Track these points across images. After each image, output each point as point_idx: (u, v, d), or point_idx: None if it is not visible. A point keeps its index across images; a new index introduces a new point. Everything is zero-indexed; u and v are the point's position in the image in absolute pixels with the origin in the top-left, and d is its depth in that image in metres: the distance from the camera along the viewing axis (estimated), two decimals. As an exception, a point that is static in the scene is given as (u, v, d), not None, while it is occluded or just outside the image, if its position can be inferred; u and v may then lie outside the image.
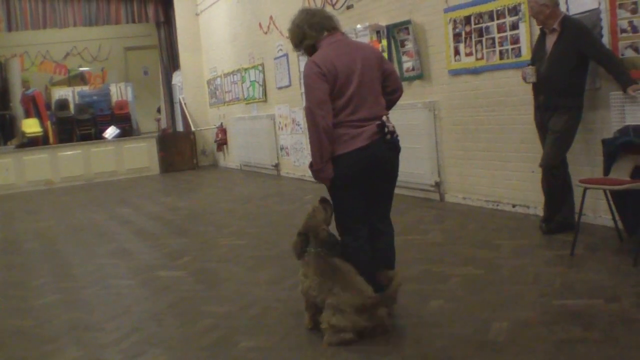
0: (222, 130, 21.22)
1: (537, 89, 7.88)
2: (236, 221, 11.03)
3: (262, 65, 17.48)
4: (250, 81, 18.36)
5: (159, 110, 26.01)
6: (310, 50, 5.52)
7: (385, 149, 5.32)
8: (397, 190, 10.49)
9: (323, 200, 5.39)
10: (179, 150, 21.89)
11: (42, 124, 22.74)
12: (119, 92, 25.29)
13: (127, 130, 23.80)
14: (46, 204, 16.37)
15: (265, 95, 17.45)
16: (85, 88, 25.75)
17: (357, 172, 5.27)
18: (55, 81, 27.23)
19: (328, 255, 5.22)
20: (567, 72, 7.51)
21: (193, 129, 22.29)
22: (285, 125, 16.33)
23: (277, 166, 17.13)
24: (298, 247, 5.35)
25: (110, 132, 22.84)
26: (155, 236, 10.52)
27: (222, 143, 21.38)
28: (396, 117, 11.05)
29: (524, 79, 7.92)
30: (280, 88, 16.49)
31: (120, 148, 21.49)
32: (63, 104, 23.98)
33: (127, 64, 28.84)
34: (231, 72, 20.02)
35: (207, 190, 16.17)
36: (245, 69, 18.62)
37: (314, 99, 5.19)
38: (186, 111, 22.85)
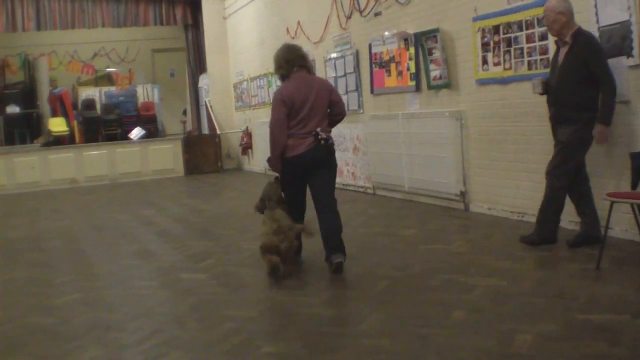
0: (248, 134, 21.24)
1: (549, 101, 7.88)
2: (259, 225, 10.97)
3: (289, 70, 17.44)
4: (277, 85, 18.34)
5: (184, 113, 26.07)
6: (283, 78, 7.83)
7: (320, 151, 7.60)
8: (421, 199, 10.43)
9: (276, 179, 8.04)
10: (204, 152, 21.92)
11: (69, 123, 22.88)
12: (145, 93, 25.40)
13: (153, 132, 23.89)
14: (70, 203, 16.45)
15: (291, 100, 17.39)
16: (112, 88, 25.91)
17: (299, 169, 7.67)
18: (83, 81, 27.37)
19: (273, 208, 7.87)
20: (575, 85, 7.47)
21: (218, 132, 22.31)
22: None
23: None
24: (258, 207, 8.19)
25: (136, 133, 22.93)
26: (178, 238, 10.54)
27: (247, 147, 21.41)
28: (422, 126, 11.10)
29: (533, 90, 8.02)
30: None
31: (146, 149, 21.58)
32: (90, 104, 24.13)
33: (154, 66, 28.93)
34: (257, 76, 20.05)
35: (231, 193, 16.18)
36: (272, 74, 18.60)
37: (275, 116, 7.56)
38: (212, 114, 22.90)
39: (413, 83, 11.72)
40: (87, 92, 25.26)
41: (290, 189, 7.92)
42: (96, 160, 20.91)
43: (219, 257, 8.86)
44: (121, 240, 10.67)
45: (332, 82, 14.55)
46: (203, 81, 24.18)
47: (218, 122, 22.59)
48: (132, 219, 12.93)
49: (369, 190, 13.53)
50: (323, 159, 7.66)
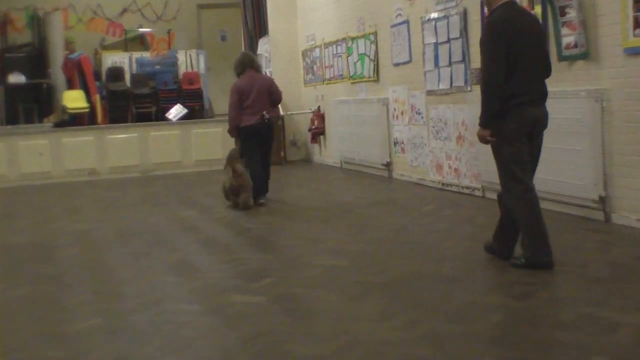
0: (319, 115, 21.25)
1: None
2: (334, 234, 11.05)
3: (375, 34, 17.50)
4: (359, 54, 18.35)
5: (238, 87, 26.18)
6: (238, 75, 14.44)
7: (263, 126, 14.12)
8: (546, 205, 10.33)
9: (238, 147, 14.02)
10: (263, 138, 21.94)
11: (89, 98, 23.08)
12: (188, 61, 25.53)
13: (198, 111, 24.00)
14: (90, 200, 16.69)
15: (377, 73, 17.47)
16: (146, 54, 26.06)
17: (249, 134, 14.04)
18: (108, 44, 27.68)
19: (234, 164, 13.75)
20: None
21: (282, 112, 22.28)
22: (402, 112, 16.30)
23: (388, 165, 17.14)
24: (225, 165, 14.10)
25: (176, 112, 23.05)
26: (229, 249, 10.59)
27: (318, 132, 21.41)
28: (550, 109, 10.91)
29: None
30: (397, 65, 16.48)
31: (188, 133, 21.76)
32: (116, 74, 24.31)
33: (201, 27, 29.17)
34: (334, 42, 20.15)
35: (296, 191, 16.23)
36: (353, 39, 18.62)
37: (231, 101, 14.18)
38: (274, 89, 22.95)
39: (539, 52, 11.57)
40: (114, 59, 25.47)
41: (246, 150, 14.11)
42: (124, 147, 21.12)
43: (281, 275, 8.86)
44: (154, 250, 10.74)
45: (431, 48, 14.79)
46: (263, 47, 24.26)
47: (282, 100, 22.59)
48: (168, 222, 13.07)
49: (476, 192, 13.40)
50: (265, 130, 14.29)
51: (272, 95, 14.48)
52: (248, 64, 14.50)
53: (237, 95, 14.20)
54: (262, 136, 14.30)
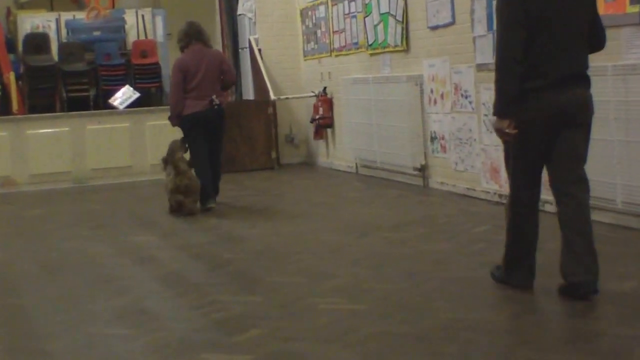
0: (326, 101, 21.27)
1: None
2: (347, 268, 11.06)
3: (403, -15, 17.49)
4: (381, 14, 18.39)
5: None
6: (182, 49, 16.50)
7: (212, 113, 16.15)
8: (618, 221, 10.33)
9: (182, 139, 16.20)
10: (247, 134, 21.93)
11: (0, 77, 23.06)
12: (140, 25, 25.57)
13: (154, 94, 24.01)
14: (3, 221, 16.73)
15: (407, 40, 17.54)
16: (81, 16, 25.99)
17: (195, 124, 16.12)
18: (26, 1, 27.63)
19: (177, 161, 16.14)
20: None
21: (273, 97, 22.38)
22: (442, 96, 16.37)
23: (423, 170, 17.20)
24: (165, 160, 16.16)
25: (123, 96, 23.04)
26: (200, 288, 10.59)
27: (324, 124, 21.42)
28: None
29: None
30: (434, 28, 16.55)
31: (141, 126, 21.88)
32: (38, 43, 24.24)
33: (157, -22, 29.26)
34: (345, -3, 20.17)
35: (294, 207, 16.32)
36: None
37: (173, 80, 16.46)
38: (261, 64, 22.99)
39: (636, 9, 11.56)
40: (34, 21, 25.41)
41: (191, 142, 16.06)
42: (50, 146, 21.12)
43: (272, 325, 8.82)
44: (95, 292, 10.72)
45: (483, 4, 14.71)
46: (246, 5, 24.33)
47: (272, 80, 22.67)
48: (115, 251, 13.07)
49: (547, 207, 13.21)
50: (214, 119, 16.16)
51: (223, 75, 16.53)
52: (194, 36, 16.32)
53: (180, 74, 16.14)
54: (211, 126, 16.21)
